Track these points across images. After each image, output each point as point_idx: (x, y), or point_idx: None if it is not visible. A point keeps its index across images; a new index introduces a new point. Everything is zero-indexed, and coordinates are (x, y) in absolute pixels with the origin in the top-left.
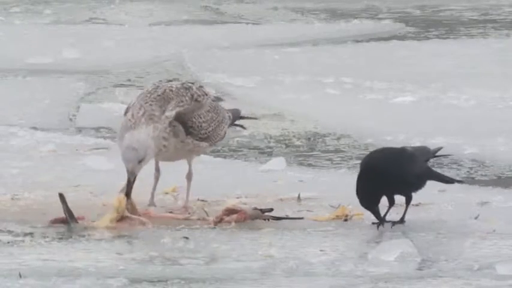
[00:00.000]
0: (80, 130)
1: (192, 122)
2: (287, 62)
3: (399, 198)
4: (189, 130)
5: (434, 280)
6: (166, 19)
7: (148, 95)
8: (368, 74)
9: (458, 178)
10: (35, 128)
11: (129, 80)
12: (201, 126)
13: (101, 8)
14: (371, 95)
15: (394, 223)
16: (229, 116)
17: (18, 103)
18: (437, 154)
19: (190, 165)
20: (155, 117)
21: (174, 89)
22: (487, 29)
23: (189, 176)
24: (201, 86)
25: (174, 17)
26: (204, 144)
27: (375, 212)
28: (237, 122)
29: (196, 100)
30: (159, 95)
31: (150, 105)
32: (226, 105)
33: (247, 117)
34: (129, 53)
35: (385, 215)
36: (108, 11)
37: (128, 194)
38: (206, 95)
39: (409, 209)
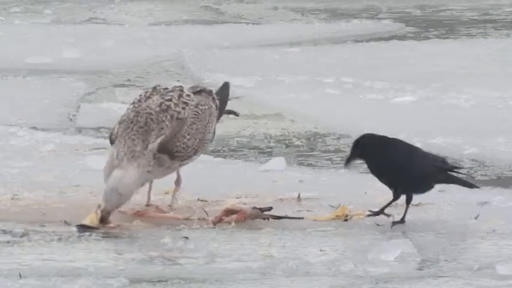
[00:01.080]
0: (80, 130)
1: (177, 147)
2: (287, 62)
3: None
4: (174, 156)
5: (434, 280)
6: (166, 19)
7: (131, 125)
8: (368, 74)
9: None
10: (35, 128)
11: (129, 80)
12: (186, 145)
13: (101, 8)
14: (371, 95)
15: (394, 223)
16: (216, 106)
17: (18, 103)
18: (454, 170)
19: (178, 172)
20: (137, 153)
21: (154, 116)
22: (487, 29)
23: (178, 182)
24: (180, 96)
25: (174, 17)
26: (193, 157)
27: (350, 157)
28: (229, 108)
29: (177, 118)
30: (141, 127)
31: (133, 140)
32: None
33: (231, 112)
34: (129, 53)
35: (384, 207)
36: (108, 11)
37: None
38: (187, 104)
39: (409, 209)
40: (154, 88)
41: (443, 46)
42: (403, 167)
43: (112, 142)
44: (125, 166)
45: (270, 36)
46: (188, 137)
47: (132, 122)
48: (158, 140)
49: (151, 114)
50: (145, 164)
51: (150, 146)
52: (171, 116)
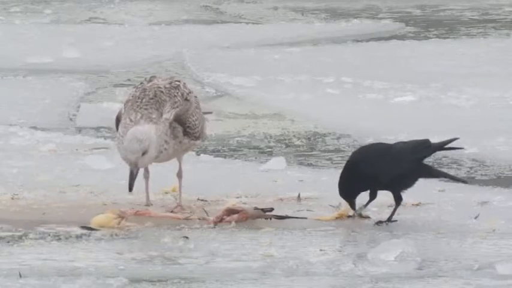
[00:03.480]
0: (80, 130)
1: (189, 122)
2: (287, 62)
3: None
4: (186, 130)
5: (434, 280)
6: (166, 19)
7: (139, 100)
8: (368, 74)
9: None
10: (35, 128)
11: (129, 80)
12: (195, 125)
13: (101, 8)
14: (371, 94)
15: (380, 222)
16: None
17: (18, 103)
18: (445, 147)
19: (180, 163)
20: (154, 119)
21: (164, 90)
22: (487, 29)
23: (180, 174)
24: (184, 84)
25: (174, 17)
26: (197, 142)
27: (351, 204)
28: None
29: (186, 99)
30: (151, 98)
31: (146, 109)
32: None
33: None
34: (129, 53)
35: (391, 215)
36: (108, 10)
37: (130, 187)
38: (191, 91)
39: (409, 209)
40: (152, 76)
41: (443, 46)
42: (376, 174)
43: (118, 124)
44: (142, 124)
45: (270, 36)
46: (195, 117)
47: (139, 97)
48: (173, 111)
49: (159, 87)
50: (163, 131)
51: (166, 115)
52: (182, 94)
